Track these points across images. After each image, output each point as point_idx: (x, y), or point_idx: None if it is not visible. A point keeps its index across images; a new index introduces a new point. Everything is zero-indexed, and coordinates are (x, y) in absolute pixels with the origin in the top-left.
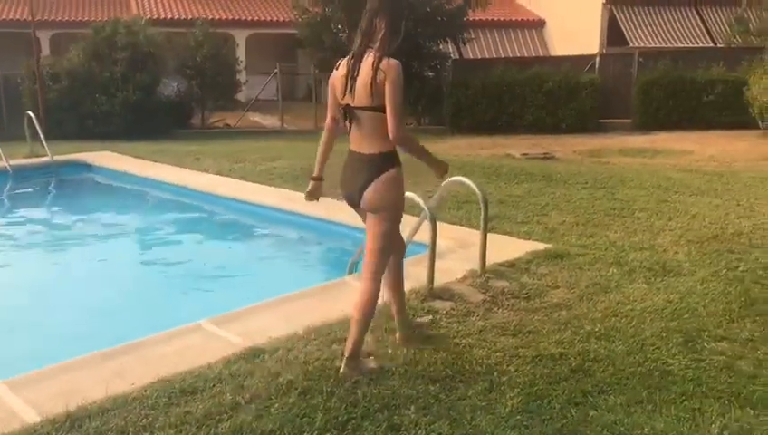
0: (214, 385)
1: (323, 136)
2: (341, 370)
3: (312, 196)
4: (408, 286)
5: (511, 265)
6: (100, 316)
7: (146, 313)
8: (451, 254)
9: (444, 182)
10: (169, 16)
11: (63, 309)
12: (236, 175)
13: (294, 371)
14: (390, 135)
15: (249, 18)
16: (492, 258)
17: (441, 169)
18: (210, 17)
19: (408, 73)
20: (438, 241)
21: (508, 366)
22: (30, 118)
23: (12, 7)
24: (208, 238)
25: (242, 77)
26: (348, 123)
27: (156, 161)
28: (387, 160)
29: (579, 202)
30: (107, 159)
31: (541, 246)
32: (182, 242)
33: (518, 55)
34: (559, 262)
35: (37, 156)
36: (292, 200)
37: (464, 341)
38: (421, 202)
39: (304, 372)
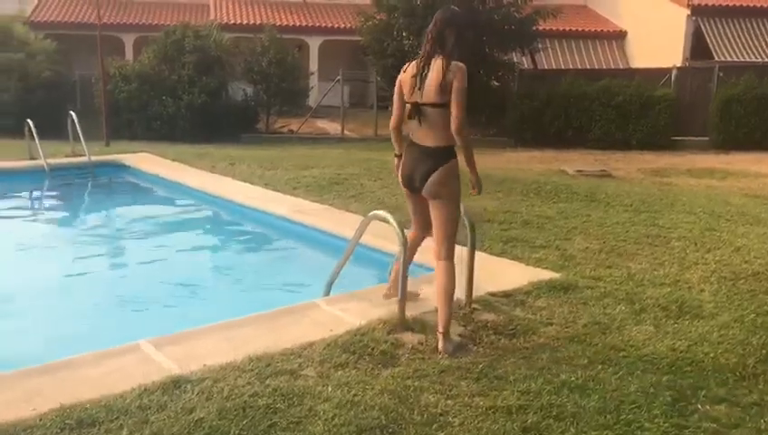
0: (117, 417)
1: (393, 135)
2: (441, 345)
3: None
4: (379, 313)
5: (506, 295)
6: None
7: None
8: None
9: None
10: (245, 21)
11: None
12: (261, 182)
13: (211, 407)
14: (453, 125)
15: (323, 25)
16: (488, 286)
17: (477, 185)
18: (285, 23)
19: (473, 82)
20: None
21: (454, 418)
22: (72, 118)
23: (91, 10)
24: (202, 243)
25: (312, 83)
26: (417, 119)
27: (193, 166)
28: (450, 152)
29: (612, 227)
30: (144, 160)
31: (548, 275)
32: (175, 244)
33: (596, 67)
34: (562, 295)
35: (81, 155)
36: (302, 212)
37: (416, 383)
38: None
39: (220, 409)
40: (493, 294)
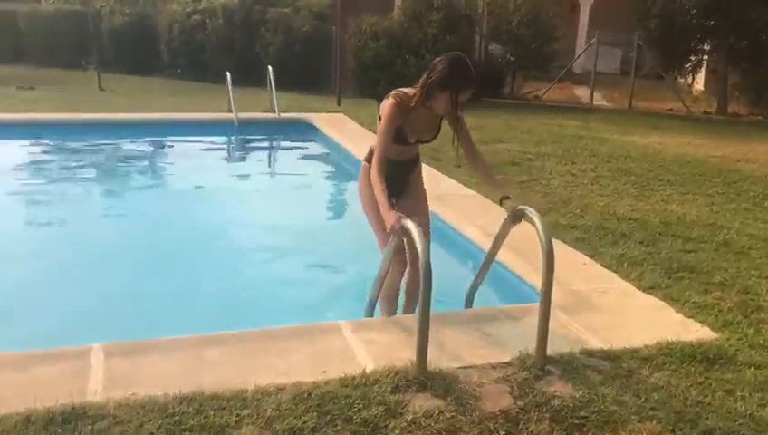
0: None
1: None
2: None
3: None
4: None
5: (611, 356)
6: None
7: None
8: (530, 316)
9: (511, 210)
10: None
11: None
12: (437, 160)
13: None
14: None
15: None
16: (593, 337)
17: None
18: None
19: None
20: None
21: None
22: (269, 72)
23: None
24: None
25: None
26: None
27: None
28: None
29: None
30: (333, 122)
31: (700, 333)
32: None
33: None
34: (702, 370)
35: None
36: (439, 197)
37: None
38: None
39: None
40: (590, 353)
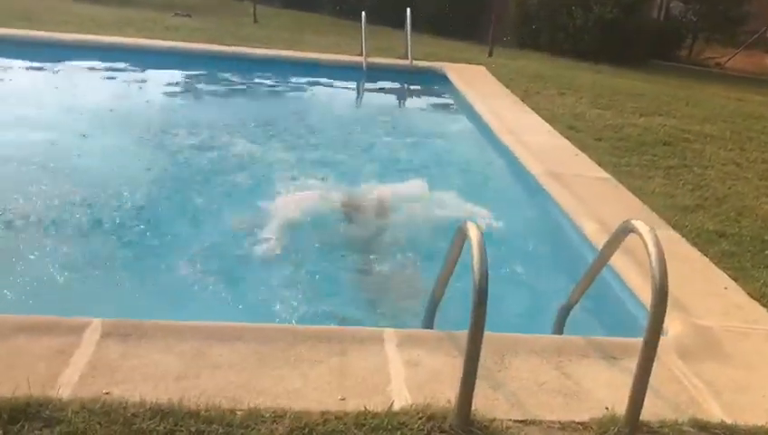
0: None
1: None
2: None
3: None
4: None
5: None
6: None
7: None
8: (633, 356)
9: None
10: None
11: None
12: (566, 124)
13: None
14: None
15: None
16: (715, 404)
17: None
18: None
19: None
20: None
21: None
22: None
23: None
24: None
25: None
26: None
27: (517, 89)
28: None
29: None
30: (471, 75)
31: None
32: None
33: None
34: None
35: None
36: (557, 177)
37: None
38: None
39: None
40: (704, 426)
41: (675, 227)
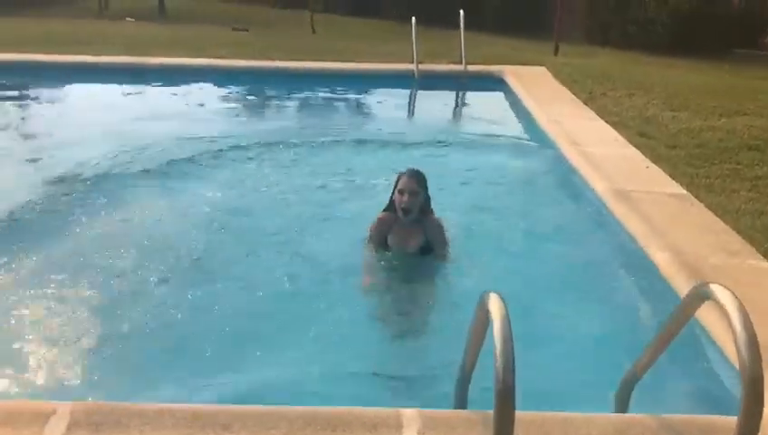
0: None
1: None
2: None
3: None
4: None
5: None
6: None
7: None
8: None
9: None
10: None
11: None
12: (637, 131)
13: None
14: None
15: None
16: None
17: None
18: None
19: None
20: None
21: None
22: (460, 17)
23: None
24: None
25: None
26: None
27: (583, 89)
28: None
29: None
30: (531, 79)
31: None
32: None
33: None
34: None
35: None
36: (625, 195)
37: None
38: None
39: None
40: None
41: (766, 255)
